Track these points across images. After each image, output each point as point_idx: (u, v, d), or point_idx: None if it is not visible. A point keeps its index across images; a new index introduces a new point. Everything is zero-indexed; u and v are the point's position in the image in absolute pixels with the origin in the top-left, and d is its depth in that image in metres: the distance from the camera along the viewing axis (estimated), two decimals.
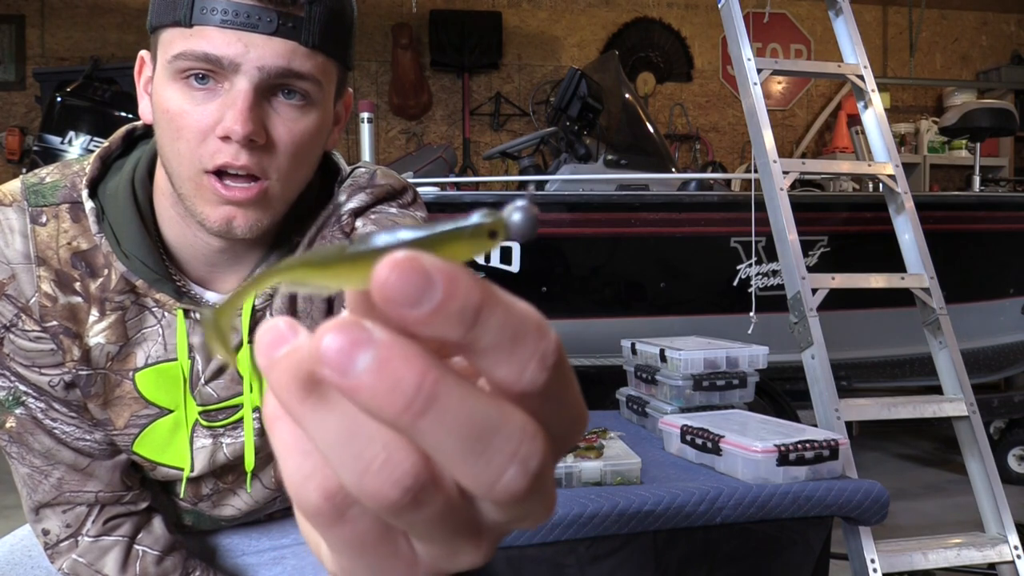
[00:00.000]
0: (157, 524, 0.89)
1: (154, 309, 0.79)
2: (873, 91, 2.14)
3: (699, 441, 1.57)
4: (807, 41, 5.97)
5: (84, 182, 0.77)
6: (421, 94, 5.47)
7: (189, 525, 0.98)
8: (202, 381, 0.82)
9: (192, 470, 0.85)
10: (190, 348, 0.81)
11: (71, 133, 3.22)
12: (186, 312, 0.79)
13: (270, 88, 0.71)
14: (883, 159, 2.10)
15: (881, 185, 2.12)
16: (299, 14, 0.69)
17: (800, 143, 5.92)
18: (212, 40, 0.68)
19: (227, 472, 0.90)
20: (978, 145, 3.56)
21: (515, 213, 0.24)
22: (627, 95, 3.42)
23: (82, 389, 0.80)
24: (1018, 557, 1.78)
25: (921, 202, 2.17)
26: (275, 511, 0.99)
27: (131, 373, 0.80)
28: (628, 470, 1.43)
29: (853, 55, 2.18)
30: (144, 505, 0.89)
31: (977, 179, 3.52)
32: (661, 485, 1.41)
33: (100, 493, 0.84)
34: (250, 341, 0.81)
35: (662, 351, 1.88)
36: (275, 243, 0.81)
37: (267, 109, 0.71)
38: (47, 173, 0.80)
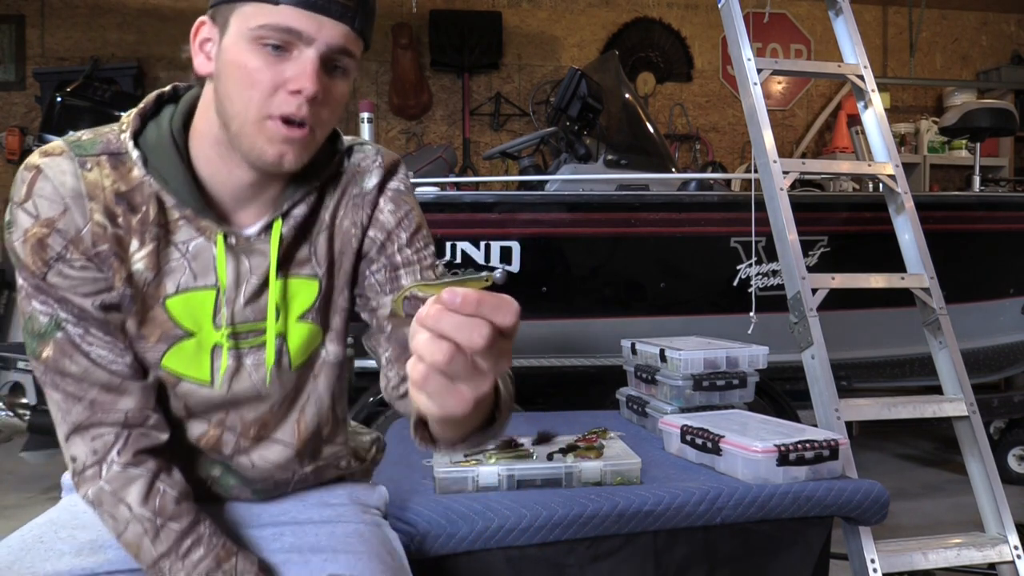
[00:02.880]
0: (176, 472, 0.95)
1: (179, 244, 0.92)
2: (873, 91, 2.14)
3: (699, 441, 1.57)
4: (807, 41, 5.96)
5: (128, 134, 0.91)
6: (421, 94, 5.47)
7: (214, 477, 1.02)
8: (241, 302, 0.95)
9: (212, 383, 0.96)
10: (229, 269, 0.93)
11: (71, 133, 3.22)
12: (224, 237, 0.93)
13: (327, 59, 0.88)
14: (883, 159, 2.10)
15: (881, 185, 2.11)
16: (353, 5, 0.87)
17: (800, 143, 5.91)
18: (294, 18, 0.84)
19: (250, 405, 0.99)
20: (978, 145, 3.56)
21: (497, 273, 0.57)
22: (627, 95, 3.42)
23: (124, 307, 0.92)
24: (1018, 557, 1.78)
25: (921, 202, 2.17)
26: (298, 479, 1.07)
27: (163, 299, 0.93)
28: (628, 470, 1.43)
29: (853, 55, 2.18)
30: (165, 436, 0.95)
31: (977, 179, 3.52)
32: (661, 485, 1.41)
33: (129, 413, 0.92)
34: (278, 272, 0.95)
35: (662, 351, 1.88)
36: (292, 180, 0.96)
37: (321, 75, 0.87)
38: (81, 134, 0.94)
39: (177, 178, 0.91)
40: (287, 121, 0.87)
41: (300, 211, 0.96)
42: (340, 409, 1.09)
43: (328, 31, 0.86)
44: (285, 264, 0.97)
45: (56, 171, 0.89)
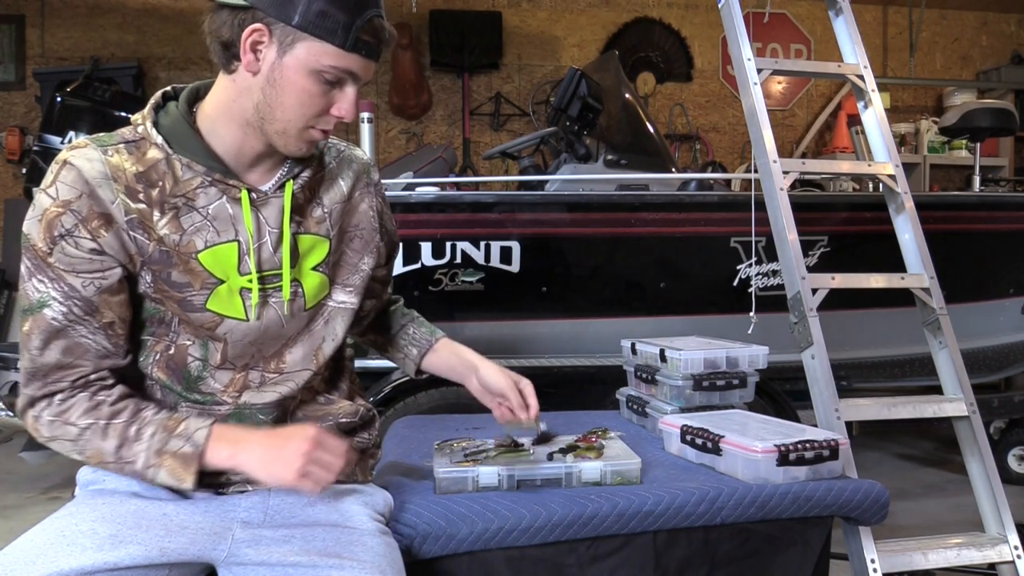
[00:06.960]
0: (118, 387, 1.08)
1: (200, 209, 1.07)
2: (873, 91, 2.14)
3: (699, 441, 1.57)
4: (807, 41, 5.96)
5: (149, 124, 1.07)
6: (421, 94, 5.47)
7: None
8: (269, 250, 1.11)
9: (247, 318, 1.10)
10: (252, 220, 1.08)
11: (71, 133, 3.21)
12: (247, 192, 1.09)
13: None
14: (883, 159, 2.10)
15: (881, 185, 2.11)
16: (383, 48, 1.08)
17: (800, 143, 5.91)
18: (357, 64, 1.04)
19: (272, 342, 1.15)
20: (978, 145, 3.55)
21: None
22: (627, 95, 3.42)
23: (163, 262, 1.06)
24: (1018, 557, 1.78)
25: (921, 202, 2.17)
26: (307, 407, 1.21)
27: (195, 254, 1.07)
28: (628, 470, 1.43)
29: (853, 55, 2.18)
30: (118, 386, 1.08)
31: (977, 179, 3.52)
32: (661, 485, 1.41)
33: (88, 375, 1.05)
34: (299, 228, 1.14)
35: (662, 351, 1.88)
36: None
37: None
38: (98, 135, 1.08)
39: (200, 152, 1.07)
40: (321, 131, 1.08)
41: (306, 173, 1.14)
42: (350, 355, 1.31)
43: (369, 71, 1.07)
44: (303, 221, 1.14)
45: (82, 160, 1.02)
